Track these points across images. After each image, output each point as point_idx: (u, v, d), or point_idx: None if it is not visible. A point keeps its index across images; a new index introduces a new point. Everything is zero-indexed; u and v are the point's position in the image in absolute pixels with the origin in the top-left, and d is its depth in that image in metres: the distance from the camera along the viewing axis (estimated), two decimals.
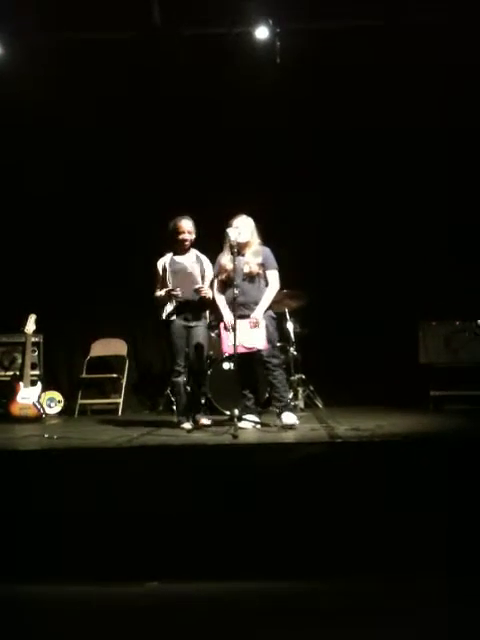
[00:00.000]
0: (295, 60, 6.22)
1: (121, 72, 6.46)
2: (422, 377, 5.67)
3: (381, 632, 2.42)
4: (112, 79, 6.46)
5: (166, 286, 4.70)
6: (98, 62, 6.34)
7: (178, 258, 4.77)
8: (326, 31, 6.20)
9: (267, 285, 4.71)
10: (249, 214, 4.75)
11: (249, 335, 4.51)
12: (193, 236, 4.76)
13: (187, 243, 4.76)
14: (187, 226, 4.73)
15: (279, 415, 4.62)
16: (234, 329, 4.32)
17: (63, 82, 6.36)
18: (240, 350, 4.39)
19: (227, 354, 5.21)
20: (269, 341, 4.59)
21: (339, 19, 6.04)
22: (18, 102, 6.35)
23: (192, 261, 4.76)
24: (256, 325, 4.53)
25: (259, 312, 4.59)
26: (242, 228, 4.62)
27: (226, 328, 4.64)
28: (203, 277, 4.73)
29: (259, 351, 4.57)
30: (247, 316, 4.56)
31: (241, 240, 4.59)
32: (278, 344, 5.48)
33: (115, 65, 6.39)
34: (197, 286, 4.64)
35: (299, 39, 6.19)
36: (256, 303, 4.62)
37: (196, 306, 4.72)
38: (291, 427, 4.41)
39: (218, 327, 4.89)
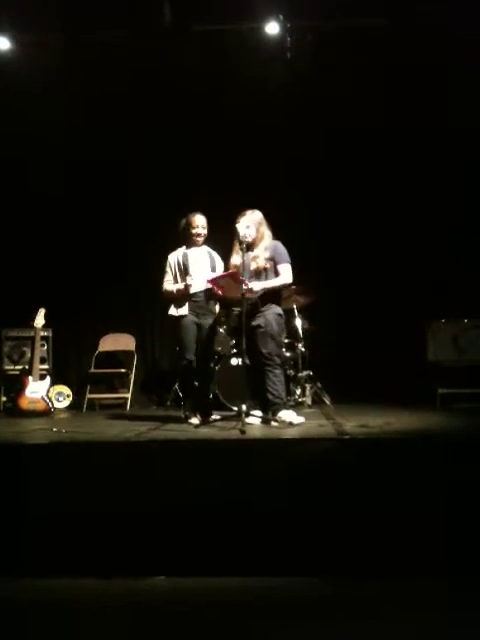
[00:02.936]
0: (303, 58, 6.21)
1: (129, 70, 6.46)
2: (430, 375, 5.66)
3: (381, 631, 2.43)
4: (121, 77, 6.47)
5: (177, 281, 4.73)
6: (107, 60, 6.35)
7: (190, 253, 4.80)
8: (332, 30, 6.16)
9: None
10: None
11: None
12: (205, 232, 4.78)
13: (200, 239, 4.78)
14: (200, 222, 4.76)
15: (274, 413, 4.47)
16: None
17: (74, 79, 6.39)
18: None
19: (208, 280, 4.69)
20: (273, 338, 4.52)
21: (345, 18, 6.01)
22: (28, 98, 6.35)
23: (204, 256, 4.79)
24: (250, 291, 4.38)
25: (258, 286, 4.44)
26: (250, 224, 4.57)
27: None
28: (214, 273, 4.75)
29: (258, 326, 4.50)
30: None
31: (249, 236, 4.57)
32: (285, 341, 5.50)
33: (122, 63, 6.39)
34: (208, 280, 4.65)
35: (306, 36, 6.18)
36: (262, 299, 4.52)
37: (206, 302, 4.75)
38: (295, 424, 4.35)
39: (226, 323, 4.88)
